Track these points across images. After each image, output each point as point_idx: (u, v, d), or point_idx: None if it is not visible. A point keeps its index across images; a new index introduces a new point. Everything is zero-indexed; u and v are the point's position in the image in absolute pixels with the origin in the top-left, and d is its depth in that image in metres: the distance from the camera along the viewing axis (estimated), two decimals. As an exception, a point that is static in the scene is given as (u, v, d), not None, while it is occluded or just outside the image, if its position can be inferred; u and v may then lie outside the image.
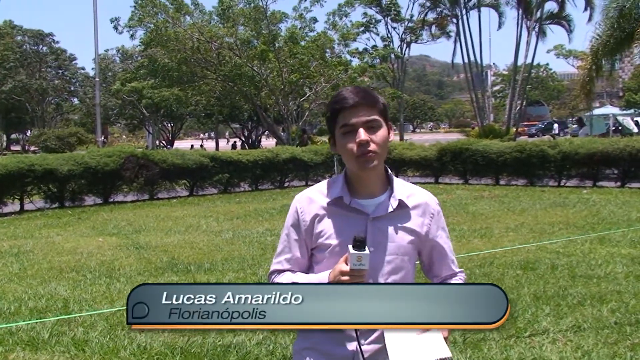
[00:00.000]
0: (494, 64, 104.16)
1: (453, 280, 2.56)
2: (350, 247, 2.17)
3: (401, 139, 52.26)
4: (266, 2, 32.43)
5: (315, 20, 35.61)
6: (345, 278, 2.17)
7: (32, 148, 53.97)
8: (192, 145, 58.28)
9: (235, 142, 61.91)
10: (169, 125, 63.98)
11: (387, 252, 2.39)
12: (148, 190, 19.07)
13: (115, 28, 35.67)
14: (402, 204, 2.43)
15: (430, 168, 21.78)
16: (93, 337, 5.95)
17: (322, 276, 2.33)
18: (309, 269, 2.52)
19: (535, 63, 55.44)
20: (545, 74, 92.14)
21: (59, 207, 17.19)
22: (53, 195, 17.44)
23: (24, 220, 14.72)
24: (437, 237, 2.52)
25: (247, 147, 52.54)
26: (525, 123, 63.98)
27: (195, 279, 8.25)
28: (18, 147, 71.22)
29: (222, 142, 69.47)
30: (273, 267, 2.54)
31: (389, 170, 2.50)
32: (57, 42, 71.20)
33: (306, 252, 2.50)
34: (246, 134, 60.31)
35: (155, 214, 15.29)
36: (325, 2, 34.92)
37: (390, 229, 2.41)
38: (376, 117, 2.36)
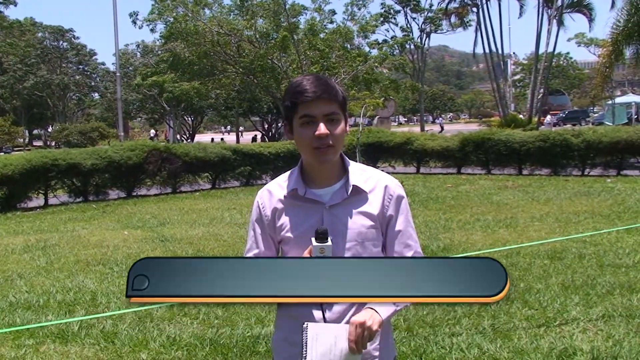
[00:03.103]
0: (514, 53, 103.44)
1: None
2: (312, 239, 2.19)
3: (422, 129, 52.12)
4: (285, -6, 32.39)
5: (333, 12, 35.53)
6: None
7: (54, 143, 54.33)
8: (212, 139, 58.45)
9: (255, 135, 61.97)
10: (190, 119, 64.19)
11: (347, 239, 2.37)
12: (171, 183, 19.16)
13: (134, 22, 35.92)
14: (357, 189, 2.41)
15: (453, 159, 21.64)
16: (122, 330, 5.99)
17: None
18: None
19: (556, 52, 54.95)
20: (565, 63, 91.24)
21: (82, 201, 17.32)
22: (77, 190, 17.58)
23: (48, 215, 14.85)
24: (393, 219, 2.47)
25: (267, 139, 52.58)
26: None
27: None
28: (40, 143, 71.76)
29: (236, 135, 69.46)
30: None
31: (345, 158, 2.48)
32: (78, 37, 71.58)
33: (272, 245, 2.51)
34: (266, 126, 60.36)
35: (178, 207, 15.36)
36: (343, -7, 34.87)
37: (348, 216, 2.39)
38: (336, 110, 2.35)
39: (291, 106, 2.35)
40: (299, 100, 2.32)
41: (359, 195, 2.42)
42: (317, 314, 2.33)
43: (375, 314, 2.24)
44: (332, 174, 2.44)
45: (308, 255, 2.22)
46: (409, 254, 2.48)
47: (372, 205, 2.42)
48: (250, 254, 2.53)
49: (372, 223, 2.41)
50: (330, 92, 2.33)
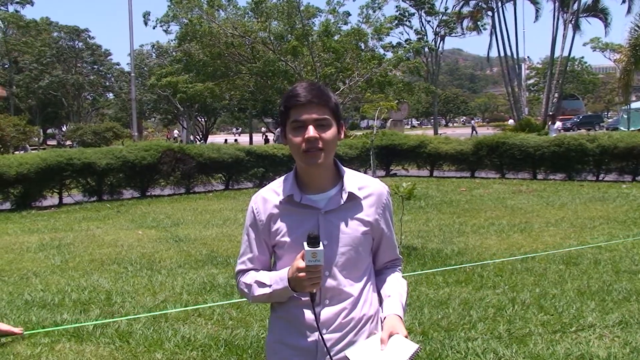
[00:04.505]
0: (528, 57, 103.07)
1: (393, 267, 2.66)
2: (305, 244, 2.27)
3: (435, 132, 52.01)
4: (299, -3, 32.37)
5: (348, 14, 35.51)
6: (302, 274, 2.29)
7: (68, 142, 54.51)
8: (225, 140, 58.51)
9: (267, 136, 61.95)
10: (203, 120, 64.28)
11: (340, 244, 2.44)
12: (184, 184, 19.21)
13: (145, 23, 36.25)
14: (352, 196, 2.47)
15: (467, 162, 21.58)
16: (137, 329, 5.99)
17: (282, 273, 2.42)
18: (273, 266, 2.59)
19: (570, 56, 54.77)
20: (580, 68, 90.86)
21: (97, 200, 17.39)
22: (91, 189, 17.66)
23: (63, 214, 14.91)
24: (386, 226, 2.57)
25: (280, 141, 52.56)
26: (560, 117, 63.19)
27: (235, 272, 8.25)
28: (54, 142, 72.00)
29: (256, 137, 69.48)
30: (237, 267, 2.62)
31: (339, 164, 2.54)
32: (93, 37, 71.85)
33: (266, 250, 2.56)
34: (279, 128, 60.43)
35: (192, 207, 15.39)
36: (357, -5, 34.89)
37: (342, 222, 2.46)
38: (327, 116, 2.41)
39: (284, 111, 2.43)
40: (290, 104, 2.40)
41: (353, 201, 2.48)
42: (309, 315, 2.40)
43: (401, 324, 2.41)
44: (326, 180, 2.50)
45: (301, 260, 2.29)
46: (395, 254, 2.67)
47: (366, 212, 2.50)
48: (244, 258, 2.59)
49: (366, 229, 2.49)
50: (321, 98, 2.41)
